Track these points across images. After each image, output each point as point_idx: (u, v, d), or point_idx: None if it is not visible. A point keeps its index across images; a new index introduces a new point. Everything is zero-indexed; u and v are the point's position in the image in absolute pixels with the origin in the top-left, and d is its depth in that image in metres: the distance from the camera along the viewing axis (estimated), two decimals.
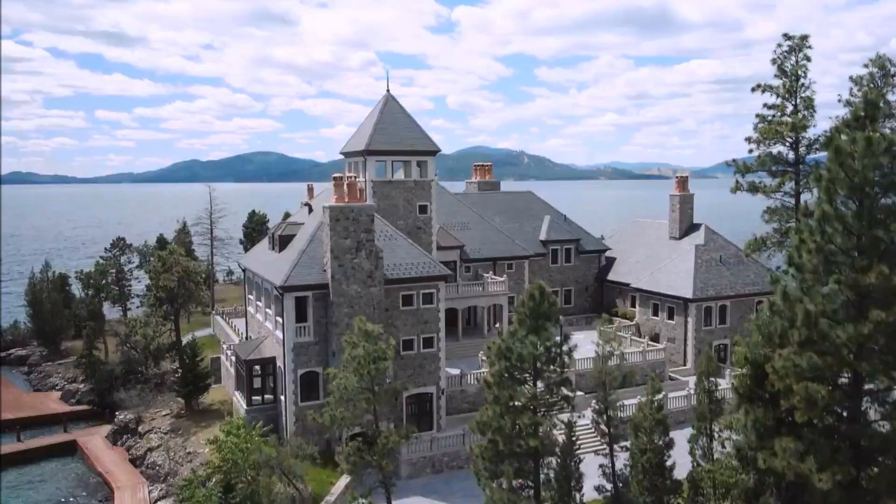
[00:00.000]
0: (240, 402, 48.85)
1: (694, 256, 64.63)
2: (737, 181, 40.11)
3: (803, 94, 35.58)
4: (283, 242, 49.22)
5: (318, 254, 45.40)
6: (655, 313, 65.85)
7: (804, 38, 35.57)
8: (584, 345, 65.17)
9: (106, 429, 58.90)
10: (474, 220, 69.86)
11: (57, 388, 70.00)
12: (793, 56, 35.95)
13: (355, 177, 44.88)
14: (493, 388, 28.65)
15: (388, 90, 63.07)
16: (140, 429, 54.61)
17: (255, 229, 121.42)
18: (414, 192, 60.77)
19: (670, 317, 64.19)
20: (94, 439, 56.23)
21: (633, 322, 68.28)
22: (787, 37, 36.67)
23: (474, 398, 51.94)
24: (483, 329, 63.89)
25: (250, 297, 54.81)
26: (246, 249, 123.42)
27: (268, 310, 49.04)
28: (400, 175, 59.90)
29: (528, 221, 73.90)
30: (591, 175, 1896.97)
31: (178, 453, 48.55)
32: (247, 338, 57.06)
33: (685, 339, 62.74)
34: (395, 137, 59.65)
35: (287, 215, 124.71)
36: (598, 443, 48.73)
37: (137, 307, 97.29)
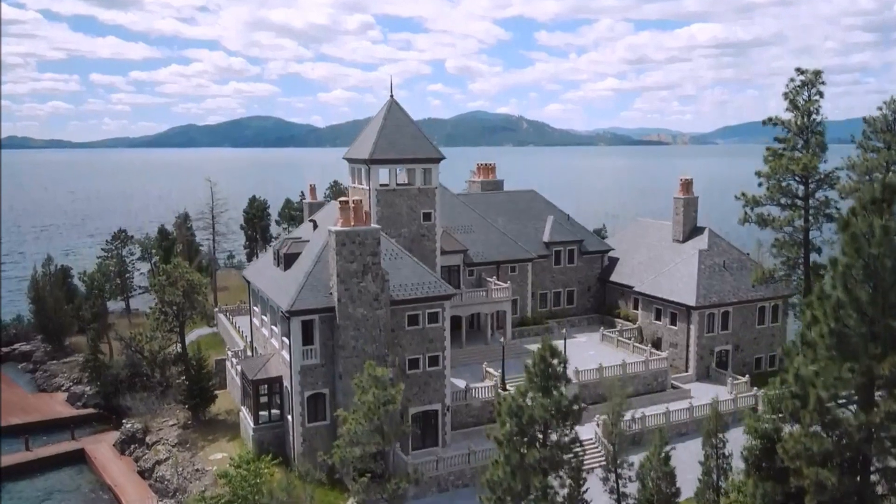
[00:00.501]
0: (247, 418, 49.26)
1: (697, 262, 64.61)
2: (745, 213, 39.91)
3: (815, 131, 35.16)
4: (288, 261, 49.14)
5: (324, 276, 45.38)
6: (658, 318, 66.09)
7: (817, 73, 35.02)
8: (586, 349, 65.80)
9: (113, 435, 59.51)
10: (477, 222, 69.69)
11: (62, 388, 70.56)
12: (805, 91, 35.46)
13: (360, 200, 44.57)
14: (504, 447, 28.85)
15: (391, 96, 62.39)
16: (148, 439, 55.17)
17: (255, 216, 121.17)
18: (418, 199, 60.55)
19: (672, 322, 64.44)
20: (102, 448, 56.85)
21: (636, 325, 68.58)
22: (799, 71, 36.14)
23: (479, 412, 52.57)
24: (486, 335, 64.18)
25: (255, 308, 54.89)
26: (246, 235, 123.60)
27: (273, 327, 49.17)
28: (403, 177, 59.55)
29: (530, 222, 73.73)
30: (591, 141, 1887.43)
31: (187, 468, 49.12)
32: (252, 349, 57.30)
33: (687, 346, 63.05)
34: (399, 146, 59.22)
35: (288, 204, 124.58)
36: (602, 459, 49.55)
37: (140, 293, 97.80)
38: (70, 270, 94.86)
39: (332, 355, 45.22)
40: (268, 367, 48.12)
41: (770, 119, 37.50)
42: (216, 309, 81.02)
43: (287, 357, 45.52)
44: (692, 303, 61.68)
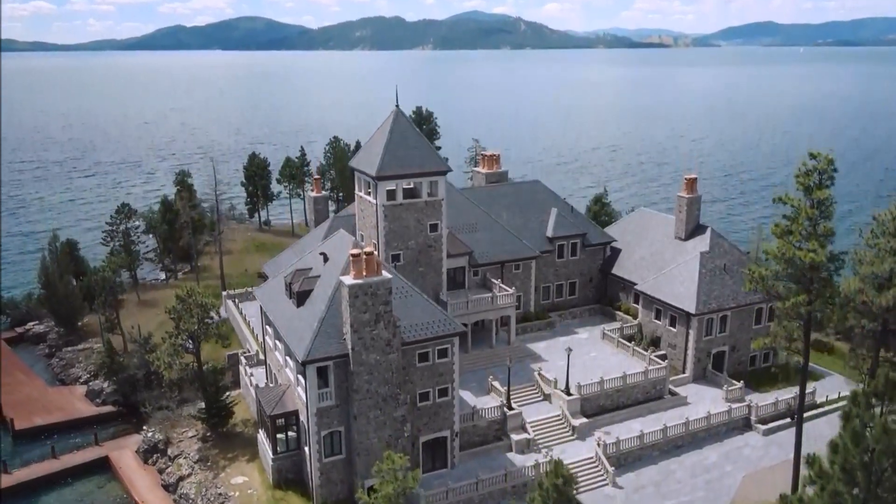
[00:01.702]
0: (266, 444, 51.69)
1: (698, 265, 65.76)
2: (750, 284, 40.80)
3: (825, 214, 35.53)
4: (301, 298, 50.20)
5: (337, 321, 46.61)
6: (658, 317, 67.85)
7: (830, 161, 35.13)
8: (588, 350, 67.83)
9: (135, 439, 62.28)
10: (482, 220, 70.23)
11: (81, 381, 72.88)
12: (816, 175, 35.61)
13: (372, 252, 45.18)
14: None
15: (397, 105, 61.72)
16: (170, 452, 57.86)
17: (255, 173, 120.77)
18: (424, 211, 61.14)
19: (672, 324, 66.24)
20: (126, 456, 59.64)
21: (636, 321, 70.42)
22: (812, 156, 36.14)
23: (485, 431, 55.05)
24: (491, 337, 66.01)
25: (268, 328, 56.32)
26: (247, 191, 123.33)
27: (288, 358, 50.76)
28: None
29: (534, 215, 74.25)
30: (589, 43, 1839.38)
31: (210, 490, 51.93)
32: (265, 354, 59.11)
33: (685, 348, 65.10)
34: (405, 160, 59.27)
35: (288, 163, 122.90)
36: (601, 477, 52.52)
37: (147, 271, 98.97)
38: (77, 245, 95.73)
39: (346, 396, 47.08)
40: (284, 400, 50.09)
41: (779, 198, 37.85)
42: (224, 293, 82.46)
43: (303, 396, 47.39)
44: (692, 310, 63.27)
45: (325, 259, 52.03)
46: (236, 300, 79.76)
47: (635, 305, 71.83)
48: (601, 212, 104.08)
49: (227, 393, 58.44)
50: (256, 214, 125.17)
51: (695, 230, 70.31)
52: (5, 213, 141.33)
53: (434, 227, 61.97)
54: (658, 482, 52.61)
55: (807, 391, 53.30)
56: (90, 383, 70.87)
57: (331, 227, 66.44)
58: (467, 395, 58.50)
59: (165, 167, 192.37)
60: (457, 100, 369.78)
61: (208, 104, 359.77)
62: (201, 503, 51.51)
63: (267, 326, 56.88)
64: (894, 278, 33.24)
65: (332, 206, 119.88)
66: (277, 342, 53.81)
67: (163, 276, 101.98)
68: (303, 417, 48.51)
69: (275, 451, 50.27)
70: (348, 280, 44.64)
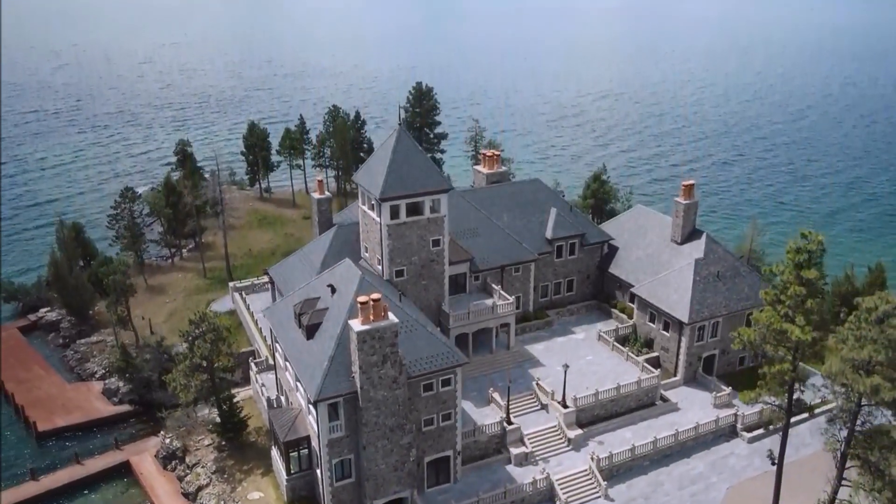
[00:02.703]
0: (279, 463, 54.88)
1: (693, 273, 67.70)
2: (739, 340, 42.77)
3: (814, 293, 37.13)
4: (310, 331, 52.33)
5: (345, 359, 48.89)
6: (652, 321, 70.28)
7: (820, 242, 36.48)
8: (584, 353, 70.42)
9: (153, 442, 65.68)
10: (482, 223, 71.69)
11: (96, 376, 75.80)
12: (805, 254, 36.93)
13: (379, 299, 47.01)
14: None
15: (399, 123, 62.26)
16: (188, 460, 61.24)
17: (255, 144, 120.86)
18: (427, 228, 62.65)
19: (665, 329, 68.74)
20: (146, 461, 63.09)
21: (631, 322, 72.88)
22: (803, 235, 37.44)
23: (486, 445, 58.26)
24: (491, 342, 68.51)
25: (278, 348, 58.59)
26: (247, 160, 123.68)
27: (299, 384, 53.23)
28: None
29: (534, 215, 75.58)
30: None
31: (227, 503, 55.49)
32: (275, 378, 61.76)
33: (678, 353, 67.78)
34: (408, 181, 60.37)
35: (288, 135, 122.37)
36: (595, 491, 56.06)
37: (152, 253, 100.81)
38: (83, 229, 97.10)
39: (355, 427, 49.85)
40: (297, 426, 52.93)
41: (770, 269, 39.35)
42: (231, 285, 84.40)
43: (314, 426, 50.18)
44: (685, 319, 65.62)
45: (333, 291, 53.91)
46: (243, 293, 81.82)
47: (631, 304, 74.07)
48: (600, 190, 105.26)
49: (238, 398, 61.29)
50: (257, 183, 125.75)
51: (691, 234, 71.87)
52: (6, 179, 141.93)
53: (436, 242, 63.55)
54: (647, 495, 56.15)
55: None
56: (106, 381, 73.79)
57: (335, 237, 67.79)
58: (468, 406, 61.44)
59: (163, 119, 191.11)
60: (449, 34, 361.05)
61: (204, 38, 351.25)
62: None
63: (277, 344, 59.13)
64: (873, 365, 35.21)
65: (333, 186, 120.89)
66: (288, 365, 56.20)
67: (167, 254, 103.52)
68: (314, 443, 51.46)
69: (288, 472, 53.48)
70: (357, 326, 46.67)
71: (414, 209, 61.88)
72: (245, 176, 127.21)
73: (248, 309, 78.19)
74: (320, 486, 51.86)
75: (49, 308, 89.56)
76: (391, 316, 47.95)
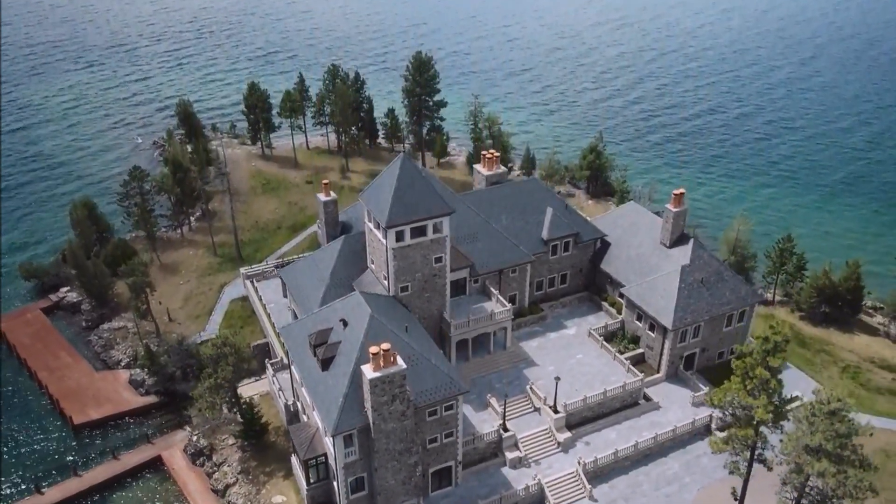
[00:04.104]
0: (300, 474, 61.30)
1: (679, 280, 72.24)
2: (710, 401, 47.77)
3: (775, 382, 41.59)
4: (325, 364, 57.41)
5: (359, 395, 54.20)
6: (639, 320, 75.42)
7: (786, 335, 40.57)
8: (575, 351, 76.14)
9: (181, 435, 72.08)
10: (482, 227, 75.52)
11: (121, 364, 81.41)
12: (772, 344, 41.20)
13: (389, 348, 51.75)
14: None
15: (403, 150, 64.79)
16: (215, 458, 67.82)
17: (256, 105, 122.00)
18: (430, 248, 66.63)
19: (651, 329, 73.97)
20: (176, 456, 69.66)
21: (620, 318, 78.02)
22: (772, 327, 41.50)
23: (484, 450, 64.66)
24: (490, 345, 73.81)
25: (294, 367, 63.61)
26: (248, 119, 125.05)
27: (315, 411, 58.74)
28: None
29: (532, 216, 79.17)
30: None
31: (253, 503, 62.42)
32: (291, 384, 67.28)
33: (661, 353, 73.36)
34: (413, 208, 63.81)
35: (288, 97, 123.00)
36: (580, 492, 62.92)
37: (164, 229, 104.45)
38: (95, 205, 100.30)
39: (368, 452, 55.88)
40: (314, 445, 58.94)
41: (742, 353, 43.70)
42: (242, 271, 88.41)
43: (332, 451, 56.15)
44: (669, 325, 70.70)
45: (345, 325, 58.60)
46: (254, 281, 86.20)
47: (620, 300, 78.96)
48: (596, 162, 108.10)
49: (254, 391, 67.31)
50: (259, 142, 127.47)
51: (679, 239, 75.85)
52: (7, 131, 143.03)
53: (439, 259, 67.59)
54: (627, 496, 63.05)
55: None
56: (132, 373, 79.39)
57: (343, 247, 71.65)
58: (468, 410, 67.43)
59: (160, 53, 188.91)
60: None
61: None
62: None
63: (293, 367, 64.04)
64: (822, 452, 40.28)
65: (333, 142, 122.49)
66: (304, 390, 61.28)
67: (176, 222, 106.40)
68: (331, 461, 57.64)
69: (308, 482, 59.99)
70: (370, 374, 51.74)
71: (418, 231, 65.48)
72: (246, 131, 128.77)
73: (260, 300, 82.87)
74: (337, 497, 58.48)
75: (68, 287, 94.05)
76: (399, 361, 52.90)
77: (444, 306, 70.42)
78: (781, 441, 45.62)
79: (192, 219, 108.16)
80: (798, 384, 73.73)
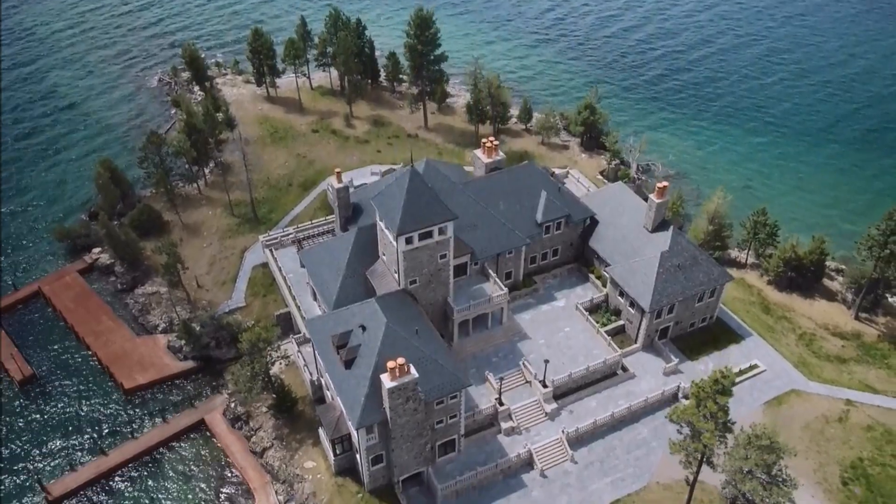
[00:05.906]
0: (327, 445, 72.50)
1: (657, 266, 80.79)
2: (673, 415, 57.66)
3: (723, 416, 50.83)
4: (348, 364, 67.02)
5: (377, 396, 64.20)
6: (621, 296, 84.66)
7: (733, 379, 49.32)
8: (562, 324, 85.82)
9: (220, 399, 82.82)
10: (481, 215, 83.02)
11: (159, 329, 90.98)
12: (720, 384, 50.16)
13: (404, 363, 61.11)
14: None
15: (412, 164, 71.32)
16: (252, 424, 78.99)
17: (260, 51, 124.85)
18: (436, 248, 74.74)
19: (631, 306, 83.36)
20: (217, 419, 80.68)
21: (605, 291, 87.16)
22: (721, 373, 50.22)
23: (482, 421, 75.75)
24: (488, 322, 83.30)
25: (319, 355, 73.04)
26: (253, 65, 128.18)
27: (339, 400, 68.93)
28: None
29: (527, 199, 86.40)
30: None
31: (289, 468, 74.14)
32: (316, 367, 77.22)
33: (638, 328, 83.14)
34: (421, 217, 71.36)
35: (292, 44, 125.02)
36: (563, 455, 74.61)
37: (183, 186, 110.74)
38: (115, 166, 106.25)
39: (386, 437, 66.72)
40: (340, 426, 69.73)
41: (697, 384, 52.57)
42: (261, 239, 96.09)
43: (355, 435, 66.95)
44: (646, 307, 79.99)
45: (364, 329, 67.77)
46: (273, 250, 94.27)
47: (606, 274, 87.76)
48: (590, 118, 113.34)
49: (279, 357, 78.01)
50: (263, 84, 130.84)
51: (660, 225, 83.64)
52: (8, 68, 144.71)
53: (443, 256, 75.68)
54: (603, 458, 74.73)
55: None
56: (169, 339, 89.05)
57: (356, 239, 79.46)
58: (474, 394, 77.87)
59: None
60: None
61: None
62: (284, 475, 74.05)
63: (318, 358, 73.38)
64: (747, 475, 50.19)
65: (336, 83, 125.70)
66: (330, 382, 71.03)
67: (193, 175, 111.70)
68: (355, 442, 68.64)
69: (335, 454, 71.37)
70: (388, 384, 61.55)
71: (426, 235, 73.12)
72: (252, 74, 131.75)
73: (280, 270, 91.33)
74: (360, 466, 70.06)
75: (100, 248, 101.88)
76: (412, 371, 62.54)
77: (448, 293, 79.23)
78: (725, 454, 56.40)
79: (206, 171, 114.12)
80: (757, 352, 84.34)
